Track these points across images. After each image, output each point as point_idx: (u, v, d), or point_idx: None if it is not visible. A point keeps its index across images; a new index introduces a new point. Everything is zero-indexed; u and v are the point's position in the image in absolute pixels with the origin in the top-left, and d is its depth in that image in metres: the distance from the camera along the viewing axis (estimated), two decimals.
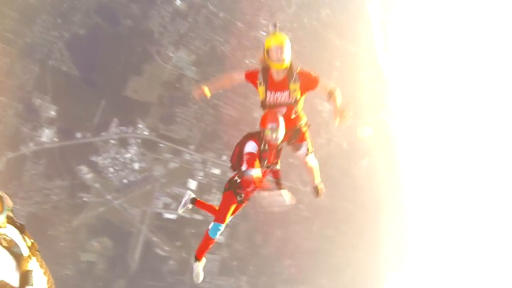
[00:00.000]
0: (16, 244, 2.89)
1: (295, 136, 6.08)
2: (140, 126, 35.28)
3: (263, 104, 5.86)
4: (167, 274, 37.15)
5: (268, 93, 5.62)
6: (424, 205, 68.37)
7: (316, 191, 6.54)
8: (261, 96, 5.78)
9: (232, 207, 6.19)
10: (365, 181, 51.67)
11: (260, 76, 5.55)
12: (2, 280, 2.55)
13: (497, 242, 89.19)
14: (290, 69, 5.43)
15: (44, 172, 32.97)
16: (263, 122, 5.60)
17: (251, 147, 5.62)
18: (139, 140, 35.45)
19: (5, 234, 2.85)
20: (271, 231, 42.05)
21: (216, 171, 38.37)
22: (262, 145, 5.58)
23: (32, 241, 3.12)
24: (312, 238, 45.21)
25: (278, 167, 6.26)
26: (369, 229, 53.39)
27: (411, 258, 67.93)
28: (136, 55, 35.43)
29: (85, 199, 34.05)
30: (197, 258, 6.40)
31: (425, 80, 65.04)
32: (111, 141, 34.57)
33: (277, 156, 5.97)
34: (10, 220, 3.05)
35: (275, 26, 5.30)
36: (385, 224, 56.81)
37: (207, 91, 6.12)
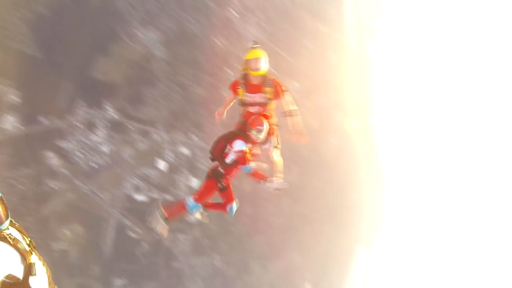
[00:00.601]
0: (19, 241, 3.85)
1: None
2: (107, 107, 34.54)
3: (242, 103, 7.78)
4: (141, 256, 37.10)
5: (247, 95, 7.58)
6: (394, 181, 71.01)
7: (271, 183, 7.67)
8: (241, 96, 7.71)
9: (212, 193, 7.94)
10: (335, 159, 52.99)
11: (240, 81, 7.44)
12: (9, 274, 3.46)
13: (468, 218, 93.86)
14: (265, 76, 7.28)
15: (8, 161, 31.13)
16: (252, 124, 7.25)
17: (240, 145, 7.31)
18: (106, 122, 34.64)
19: (10, 234, 3.79)
20: (241, 209, 42.32)
21: (185, 150, 38.45)
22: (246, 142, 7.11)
23: (29, 239, 3.96)
24: (282, 215, 46.30)
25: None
26: (338, 206, 55.15)
27: (380, 233, 70.75)
28: (103, 35, 34.37)
29: (52, 186, 32.73)
30: (166, 217, 8.32)
31: (397, 59, 66.44)
32: (77, 124, 33.43)
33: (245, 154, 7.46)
34: (10, 223, 3.89)
35: (255, 43, 7.29)
36: (354, 200, 58.75)
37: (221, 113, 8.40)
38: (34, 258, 3.92)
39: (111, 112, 34.72)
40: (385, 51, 63.12)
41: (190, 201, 7.85)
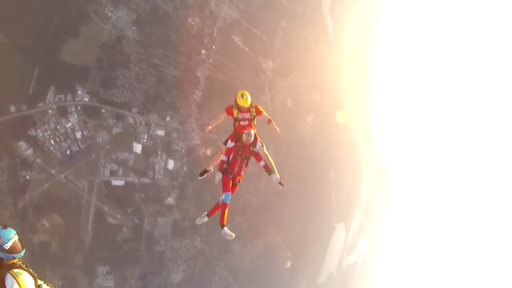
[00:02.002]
0: (30, 268, 5.34)
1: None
2: (79, 92, 33.93)
3: (236, 120, 10.65)
4: (122, 242, 37.35)
5: (240, 114, 10.56)
6: (371, 160, 72.58)
7: (281, 185, 10.46)
8: (235, 115, 10.57)
9: (229, 182, 10.27)
10: (311, 138, 53.94)
11: (234, 106, 10.45)
12: None
13: (437, 195, 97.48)
14: (251, 104, 10.42)
15: None
16: (242, 130, 10.21)
17: (229, 143, 10.41)
18: (79, 108, 34.00)
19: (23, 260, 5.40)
20: (219, 190, 43.05)
21: (161, 132, 38.65)
22: (239, 143, 10.21)
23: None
24: (261, 194, 47.10)
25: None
26: (316, 184, 56.47)
27: (358, 211, 72.55)
28: (71, 16, 33.46)
29: (27, 177, 32.17)
30: (222, 225, 10.38)
31: (370, 39, 67.36)
32: (49, 111, 32.66)
33: (249, 152, 10.32)
34: None
35: (243, 96, 10.32)
36: (331, 179, 60.12)
37: (210, 127, 11.51)
38: (40, 281, 5.41)
39: (83, 96, 34.06)
40: (362, 33, 63.95)
41: (222, 196, 10.20)
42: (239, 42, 43.52)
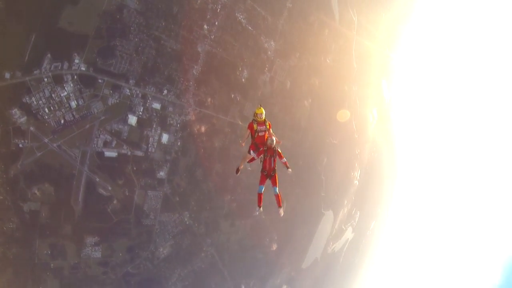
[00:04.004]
0: None
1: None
2: (76, 61, 33.99)
3: (256, 131, 14.80)
4: (112, 214, 38.30)
5: (258, 127, 14.64)
6: (364, 148, 73.59)
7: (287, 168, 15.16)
8: (254, 128, 14.72)
9: (264, 178, 14.72)
10: (307, 122, 54.66)
11: (254, 122, 14.71)
12: None
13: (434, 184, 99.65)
14: (264, 119, 14.65)
15: None
16: (260, 139, 14.78)
17: (252, 153, 14.97)
18: (75, 77, 34.04)
19: None
20: (212, 167, 43.91)
21: (157, 105, 39.17)
22: (265, 147, 14.54)
23: None
24: (252, 173, 47.56)
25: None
26: (308, 168, 57.69)
27: (346, 198, 73.83)
28: None
29: (20, 145, 32.56)
30: (259, 206, 14.89)
31: (377, 31, 67.40)
32: (44, 79, 32.71)
33: (273, 151, 14.56)
34: None
35: (260, 104, 15.74)
36: (324, 165, 61.11)
37: (243, 143, 15.61)
38: None
39: (80, 65, 34.07)
40: (369, 23, 64.00)
41: (258, 188, 14.73)
42: (242, 20, 43.72)
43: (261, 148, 14.40)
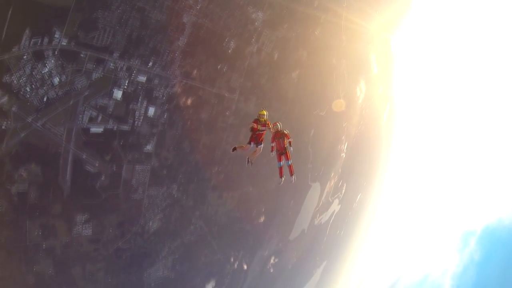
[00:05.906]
0: None
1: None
2: (56, 35, 33.23)
3: (256, 129, 17.51)
4: (100, 190, 38.80)
5: (259, 127, 17.55)
6: (352, 122, 74.82)
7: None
8: (257, 126, 17.45)
9: (280, 156, 18.00)
10: (294, 93, 55.17)
11: (257, 122, 17.72)
12: None
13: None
14: (265, 119, 18.04)
15: None
16: (261, 136, 17.93)
17: (253, 146, 18.32)
18: (56, 52, 33.37)
19: None
20: (199, 138, 44.62)
21: (142, 78, 39.27)
22: (275, 131, 18.43)
23: None
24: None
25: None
26: (295, 140, 57.34)
27: (333, 171, 75.59)
28: None
29: (3, 126, 32.09)
30: (280, 176, 18.38)
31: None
32: (24, 56, 31.96)
33: (281, 134, 18.09)
34: None
35: (264, 107, 19.24)
36: (311, 137, 62.17)
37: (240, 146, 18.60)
38: None
39: (61, 40, 33.36)
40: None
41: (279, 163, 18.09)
42: None
43: (259, 141, 17.73)
